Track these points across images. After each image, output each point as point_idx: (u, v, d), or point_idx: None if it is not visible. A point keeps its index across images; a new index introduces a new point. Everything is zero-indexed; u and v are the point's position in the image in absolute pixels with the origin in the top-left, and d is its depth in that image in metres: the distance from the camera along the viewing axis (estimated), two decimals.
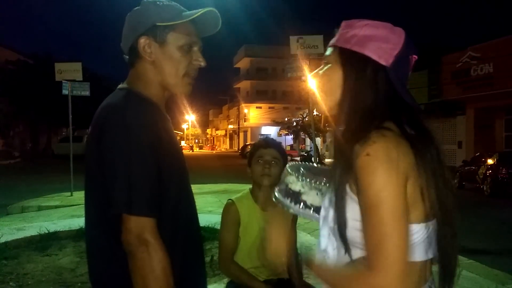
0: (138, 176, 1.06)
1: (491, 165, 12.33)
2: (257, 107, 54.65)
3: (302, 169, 1.38)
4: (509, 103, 16.20)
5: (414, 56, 1.01)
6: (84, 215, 1.25)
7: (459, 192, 13.37)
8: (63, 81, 9.71)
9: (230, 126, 63.52)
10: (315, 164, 1.57)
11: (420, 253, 0.92)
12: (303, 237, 5.06)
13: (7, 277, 3.93)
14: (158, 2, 1.21)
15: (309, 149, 27.28)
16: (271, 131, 47.81)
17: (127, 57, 1.26)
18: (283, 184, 1.34)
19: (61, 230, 5.54)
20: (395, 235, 0.84)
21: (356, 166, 0.88)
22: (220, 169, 21.46)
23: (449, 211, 0.94)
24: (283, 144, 38.85)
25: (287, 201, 1.30)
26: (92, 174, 1.17)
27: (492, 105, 17.15)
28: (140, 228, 1.05)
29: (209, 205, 8.51)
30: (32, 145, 31.96)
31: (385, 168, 0.85)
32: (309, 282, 2.41)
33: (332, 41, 1.06)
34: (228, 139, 68.85)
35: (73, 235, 5.38)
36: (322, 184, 1.26)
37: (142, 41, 1.19)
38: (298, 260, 2.24)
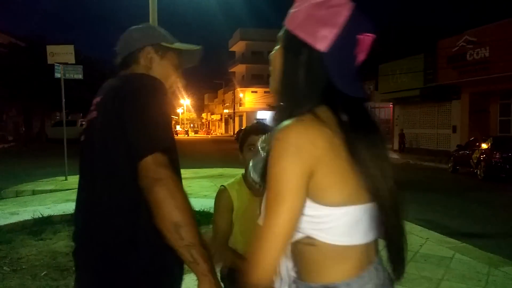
0: (161, 126, 1.20)
1: (485, 149, 12.41)
2: (252, 92, 54.40)
3: None
4: (505, 87, 16.22)
5: (367, 34, 0.93)
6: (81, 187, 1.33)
7: (453, 176, 13.53)
8: (55, 64, 9.57)
9: (226, 111, 63.34)
10: None
11: (354, 236, 0.91)
12: None
13: (1, 261, 3.93)
14: (160, 30, 1.49)
15: None
16: (266, 115, 47.71)
17: (120, 60, 1.43)
18: (259, 154, 1.24)
19: (55, 214, 5.53)
20: (276, 223, 0.85)
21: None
22: (216, 153, 21.46)
23: (387, 196, 0.93)
24: None
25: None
26: (104, 135, 1.24)
27: (488, 89, 17.18)
28: (160, 163, 1.14)
29: (204, 189, 8.52)
30: (25, 129, 31.72)
31: (287, 154, 0.85)
32: None
33: (285, 19, 1.00)
34: (223, 124, 68.71)
35: (67, 219, 5.38)
36: None
37: (148, 49, 1.41)
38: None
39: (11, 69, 25.18)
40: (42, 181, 9.57)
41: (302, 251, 0.93)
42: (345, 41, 0.90)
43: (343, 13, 0.90)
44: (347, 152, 0.88)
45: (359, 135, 0.90)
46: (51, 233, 4.87)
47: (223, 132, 66.27)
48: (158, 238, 1.16)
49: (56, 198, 7.44)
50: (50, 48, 9.60)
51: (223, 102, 64.94)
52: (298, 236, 0.91)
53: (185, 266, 1.33)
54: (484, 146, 12.61)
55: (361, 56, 0.94)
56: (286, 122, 0.88)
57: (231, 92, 57.16)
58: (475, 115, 18.35)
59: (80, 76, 10.03)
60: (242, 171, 2.07)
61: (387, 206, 0.93)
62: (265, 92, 51.57)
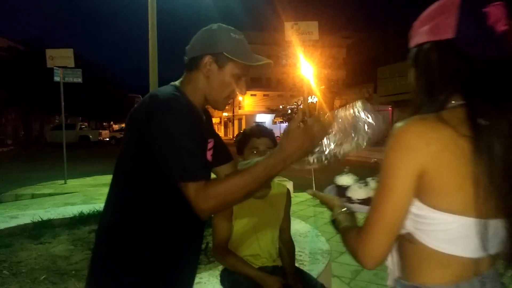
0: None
1: None
2: (251, 95, 54.41)
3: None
4: None
5: (493, 5, 0.87)
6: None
7: None
8: (54, 67, 9.58)
9: (225, 114, 63.34)
10: None
11: (458, 247, 0.89)
12: (297, 224, 5.08)
13: (1, 265, 3.92)
14: (232, 34, 1.41)
15: None
16: (265, 118, 47.73)
17: (187, 61, 1.44)
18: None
19: (54, 218, 5.51)
20: (381, 212, 0.90)
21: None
22: None
23: None
24: (278, 132, 38.92)
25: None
26: (125, 140, 1.36)
27: None
28: (193, 193, 1.18)
29: None
30: (24, 133, 31.68)
31: (399, 151, 0.88)
32: (303, 268, 2.42)
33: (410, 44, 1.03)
34: (222, 127, 68.74)
35: (67, 223, 5.36)
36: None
37: (206, 59, 1.39)
38: (291, 247, 2.24)
39: (10, 73, 25.18)
40: (42, 185, 9.55)
41: (403, 246, 0.96)
42: (469, 19, 0.88)
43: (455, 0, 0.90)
44: (473, 159, 0.84)
45: (498, 139, 0.85)
46: (51, 237, 4.85)
47: (223, 135, 66.22)
48: (152, 239, 1.31)
49: (55, 201, 7.43)
50: (49, 52, 9.60)
51: None
52: (402, 230, 0.93)
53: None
54: None
55: (500, 26, 0.87)
56: (406, 120, 0.90)
57: None
58: None
59: (80, 80, 10.04)
60: None
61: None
62: (264, 95, 51.61)
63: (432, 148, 0.85)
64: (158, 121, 1.23)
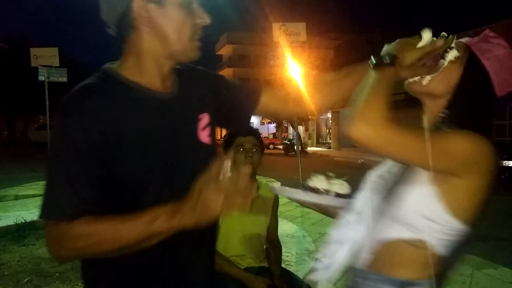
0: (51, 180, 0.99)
1: None
2: None
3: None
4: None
5: None
6: None
7: None
8: (39, 66, 9.45)
9: None
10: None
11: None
12: (284, 225, 5.10)
13: None
14: None
15: (291, 138, 27.40)
16: (254, 119, 47.68)
17: (117, 31, 1.03)
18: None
19: (38, 219, 5.43)
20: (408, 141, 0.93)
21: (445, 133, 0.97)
22: None
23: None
24: (266, 132, 38.91)
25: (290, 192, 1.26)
26: None
27: None
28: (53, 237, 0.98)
29: None
30: (8, 133, 31.16)
31: (477, 155, 0.93)
32: (289, 269, 2.42)
33: (467, 39, 1.07)
34: None
35: None
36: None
37: (136, 4, 0.97)
38: (277, 247, 2.24)
39: None
40: (25, 186, 9.39)
41: (401, 248, 1.01)
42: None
43: None
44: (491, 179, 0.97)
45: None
46: (34, 239, 4.78)
47: None
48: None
49: (39, 203, 7.14)
50: (33, 51, 9.48)
51: None
52: (410, 236, 0.99)
53: None
54: None
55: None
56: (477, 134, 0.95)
57: None
58: None
59: (65, 79, 9.92)
60: None
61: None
62: None
63: (488, 162, 0.95)
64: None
